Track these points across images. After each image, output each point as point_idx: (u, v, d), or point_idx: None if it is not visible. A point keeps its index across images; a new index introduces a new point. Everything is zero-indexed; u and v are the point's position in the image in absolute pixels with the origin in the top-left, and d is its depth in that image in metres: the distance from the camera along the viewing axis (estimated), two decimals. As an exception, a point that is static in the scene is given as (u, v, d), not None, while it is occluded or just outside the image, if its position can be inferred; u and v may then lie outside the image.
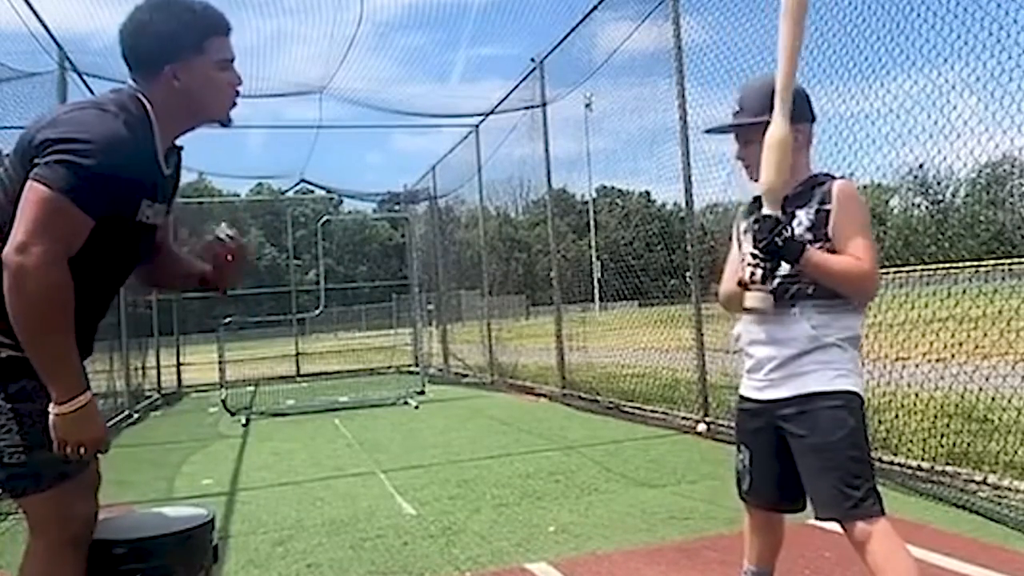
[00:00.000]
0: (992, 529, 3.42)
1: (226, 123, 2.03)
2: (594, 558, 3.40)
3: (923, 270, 6.05)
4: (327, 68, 9.20)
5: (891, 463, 4.36)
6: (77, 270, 1.77)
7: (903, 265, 5.34)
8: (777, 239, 2.01)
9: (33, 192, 1.71)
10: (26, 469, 1.81)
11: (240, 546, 3.88)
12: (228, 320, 10.22)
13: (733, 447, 2.41)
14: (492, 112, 10.92)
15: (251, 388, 12.66)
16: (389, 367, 15.68)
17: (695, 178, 6.28)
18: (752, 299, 2.07)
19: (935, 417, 4.60)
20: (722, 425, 5.80)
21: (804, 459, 2.14)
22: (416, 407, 9.38)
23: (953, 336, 4.43)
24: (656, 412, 7.08)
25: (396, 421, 8.34)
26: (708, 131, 2.52)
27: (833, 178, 2.20)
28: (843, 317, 2.15)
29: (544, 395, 9.51)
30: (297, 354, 16.28)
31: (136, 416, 9.91)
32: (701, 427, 6.13)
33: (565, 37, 8.53)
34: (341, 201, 30.57)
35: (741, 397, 2.34)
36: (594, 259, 17.39)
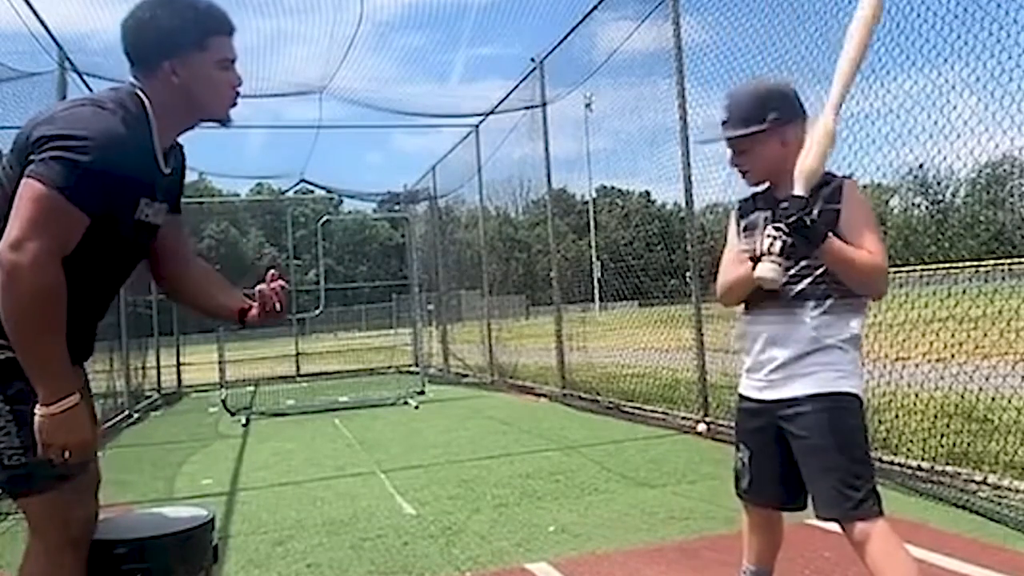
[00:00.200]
0: (992, 529, 3.42)
1: (225, 123, 2.02)
2: (594, 558, 3.40)
3: (923, 270, 6.06)
4: (327, 68, 9.21)
5: (891, 463, 4.36)
6: (76, 269, 1.76)
7: (903, 265, 5.34)
8: (806, 217, 2.00)
9: (28, 189, 1.69)
10: (26, 470, 1.80)
11: (240, 546, 3.88)
12: (228, 320, 10.20)
13: (733, 447, 2.41)
14: (492, 112, 10.92)
15: (251, 388, 12.67)
16: (389, 367, 15.69)
17: (695, 178, 6.28)
18: (765, 269, 2.03)
19: (935, 417, 4.60)
20: (722, 425, 5.80)
21: (805, 460, 2.15)
22: (416, 407, 9.38)
23: (953, 336, 4.43)
24: (656, 412, 7.08)
25: (396, 421, 8.34)
26: (700, 142, 2.53)
27: (835, 176, 2.20)
28: (844, 318, 2.15)
29: (544, 395, 9.51)
30: (297, 354, 16.28)
31: (136, 416, 9.91)
32: (701, 427, 6.13)
33: (565, 37, 8.53)
34: (341, 201, 30.57)
35: (740, 396, 2.35)
36: (594, 259, 17.41)
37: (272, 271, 2.13)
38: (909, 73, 4.34)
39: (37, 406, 1.73)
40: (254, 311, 2.12)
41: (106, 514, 2.04)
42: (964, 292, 4.45)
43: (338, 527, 4.13)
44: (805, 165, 2.06)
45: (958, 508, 3.72)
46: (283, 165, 15.92)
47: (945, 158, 4.11)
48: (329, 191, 18.35)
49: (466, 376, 13.23)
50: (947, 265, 6.74)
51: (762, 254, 2.04)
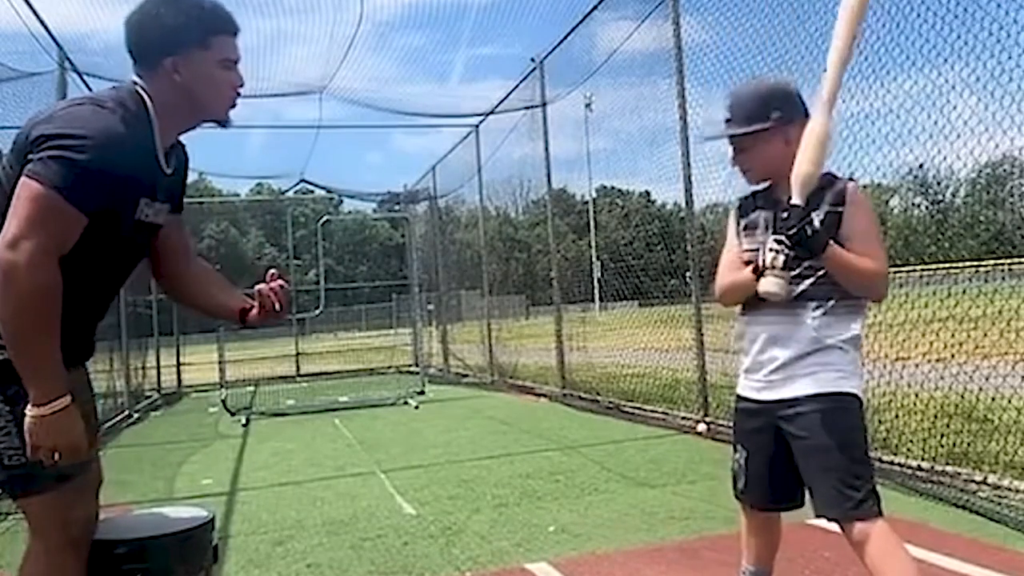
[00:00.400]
0: (992, 529, 3.42)
1: (225, 124, 2.01)
2: (594, 558, 3.40)
3: (923, 270, 6.06)
4: (327, 68, 9.21)
5: (891, 463, 4.36)
6: (76, 269, 1.76)
7: (903, 265, 5.34)
8: (807, 227, 2.01)
9: (26, 188, 1.69)
10: (26, 471, 1.79)
11: (240, 546, 3.88)
12: (228, 320, 10.20)
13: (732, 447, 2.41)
14: (492, 112, 10.92)
15: (251, 388, 12.67)
16: (389, 367, 15.69)
17: (695, 178, 6.28)
18: (769, 283, 2.04)
19: (935, 417, 4.60)
20: (722, 425, 5.80)
21: (805, 460, 2.15)
22: (416, 407, 9.38)
23: (953, 336, 4.43)
24: (656, 412, 7.08)
25: (396, 421, 8.34)
26: (704, 139, 2.53)
27: (838, 178, 2.20)
28: (844, 319, 2.16)
29: (544, 395, 9.51)
30: (297, 354, 16.28)
31: (136, 416, 9.91)
32: (701, 427, 6.13)
33: (565, 37, 8.53)
34: (341, 201, 30.58)
35: (739, 397, 2.35)
36: (594, 259, 17.41)
37: (272, 271, 2.13)
38: (909, 73, 4.35)
39: (28, 407, 1.72)
40: (254, 311, 2.12)
41: (106, 514, 2.03)
42: (964, 292, 4.45)
43: (338, 527, 4.13)
44: (801, 171, 2.06)
45: (958, 508, 3.72)
46: (283, 165, 15.93)
47: (945, 158, 4.12)
48: (329, 191, 18.36)
49: (466, 376, 13.23)
50: (947, 265, 6.74)
51: (765, 269, 2.05)
